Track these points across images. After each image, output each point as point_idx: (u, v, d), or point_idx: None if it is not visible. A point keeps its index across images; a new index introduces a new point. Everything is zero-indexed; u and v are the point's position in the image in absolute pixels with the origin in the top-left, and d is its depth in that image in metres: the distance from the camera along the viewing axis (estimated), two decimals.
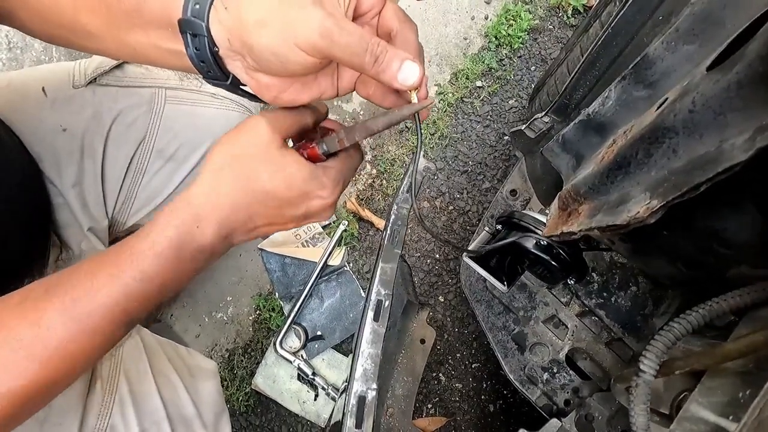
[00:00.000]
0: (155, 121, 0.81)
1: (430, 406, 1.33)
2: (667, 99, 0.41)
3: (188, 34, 0.41)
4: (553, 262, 0.72)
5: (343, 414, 0.42)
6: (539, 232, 0.70)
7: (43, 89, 0.76)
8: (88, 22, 0.45)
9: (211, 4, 0.40)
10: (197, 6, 0.40)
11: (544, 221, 0.72)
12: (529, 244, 0.72)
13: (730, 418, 0.30)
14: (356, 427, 0.42)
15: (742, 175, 0.33)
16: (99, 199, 0.81)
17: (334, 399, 1.28)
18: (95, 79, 0.78)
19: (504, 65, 1.52)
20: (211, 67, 0.43)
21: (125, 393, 0.78)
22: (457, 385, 1.34)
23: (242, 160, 0.44)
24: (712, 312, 0.35)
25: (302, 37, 0.37)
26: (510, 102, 1.50)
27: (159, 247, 0.43)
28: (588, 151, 0.58)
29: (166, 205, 0.45)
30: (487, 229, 0.91)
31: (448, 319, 1.38)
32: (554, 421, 0.98)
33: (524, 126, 0.90)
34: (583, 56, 0.68)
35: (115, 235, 0.90)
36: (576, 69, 0.68)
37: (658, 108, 0.41)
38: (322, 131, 0.52)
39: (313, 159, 0.47)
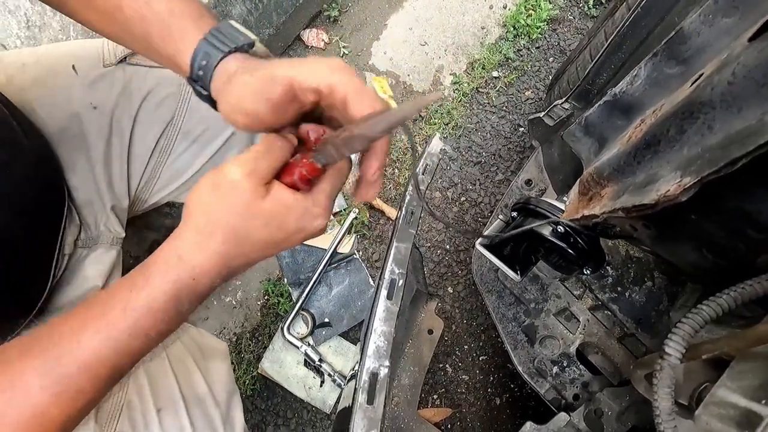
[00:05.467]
0: (184, 103, 0.82)
1: (435, 396, 1.32)
2: (702, 74, 0.39)
3: (193, 85, 0.48)
4: (570, 251, 0.70)
5: (355, 390, 0.41)
6: (557, 217, 0.68)
7: (73, 67, 0.76)
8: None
9: (211, 79, 0.45)
10: (201, 72, 0.45)
11: (562, 208, 0.70)
12: (546, 231, 0.70)
13: (763, 402, 0.28)
14: (368, 403, 0.41)
15: None
16: (124, 177, 0.81)
17: (340, 386, 1.28)
18: (125, 58, 0.78)
19: (521, 56, 1.49)
20: (209, 104, 0.48)
21: (140, 371, 0.79)
22: (463, 376, 1.33)
23: (228, 224, 0.42)
24: (745, 295, 0.34)
25: (228, 107, 0.45)
26: (526, 93, 1.47)
27: (156, 303, 0.41)
28: (612, 135, 0.56)
29: (157, 257, 0.42)
30: (501, 217, 0.90)
31: (457, 310, 1.37)
32: (563, 415, 0.97)
33: (543, 113, 0.88)
34: (607, 40, 0.66)
35: (134, 213, 0.91)
36: (601, 52, 0.66)
37: (693, 83, 0.39)
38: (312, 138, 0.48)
39: (310, 174, 0.44)
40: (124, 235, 0.87)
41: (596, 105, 0.55)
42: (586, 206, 0.54)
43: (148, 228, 1.40)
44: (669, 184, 0.38)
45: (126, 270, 0.89)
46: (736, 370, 0.33)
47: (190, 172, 0.88)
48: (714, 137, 0.37)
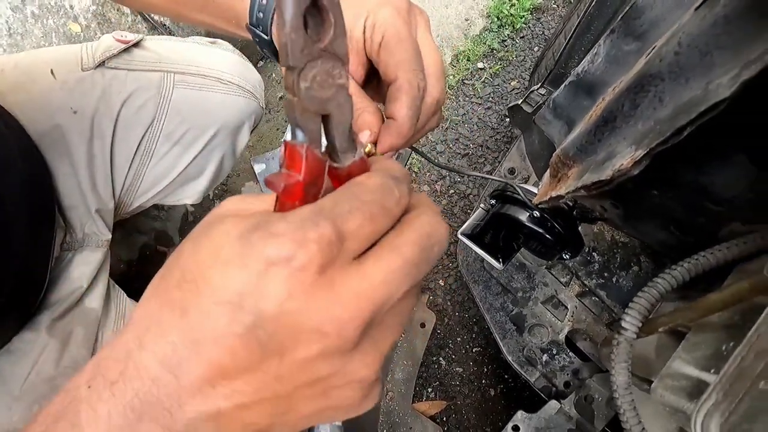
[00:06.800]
0: (164, 105, 0.82)
1: (430, 390, 1.32)
2: (654, 47, 0.39)
3: (253, 31, 0.44)
4: (547, 236, 0.70)
5: None
6: (530, 202, 0.68)
7: (51, 71, 0.77)
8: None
9: (273, 17, 0.41)
10: (260, 14, 0.42)
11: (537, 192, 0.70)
12: (523, 216, 0.70)
13: (712, 371, 0.28)
14: None
15: (729, 119, 0.31)
16: (107, 180, 0.82)
17: None
18: (104, 62, 0.78)
19: (506, 46, 1.49)
20: (270, 53, 0.45)
21: None
22: (457, 369, 1.33)
23: None
24: (698, 266, 0.34)
25: None
26: (512, 83, 1.47)
27: None
28: (579, 116, 0.55)
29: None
30: (482, 206, 0.89)
31: (449, 303, 1.36)
32: (553, 403, 0.97)
33: (521, 100, 0.88)
34: (579, 18, 0.65)
35: (120, 217, 0.91)
36: (570, 35, 0.66)
37: (645, 57, 0.39)
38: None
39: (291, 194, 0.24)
40: (110, 237, 0.87)
41: (562, 86, 0.55)
42: (554, 188, 0.54)
43: (138, 231, 1.40)
44: (624, 158, 0.38)
45: (115, 273, 0.89)
46: (691, 341, 0.32)
47: (173, 174, 0.88)
48: (665, 110, 0.37)
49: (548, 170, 0.61)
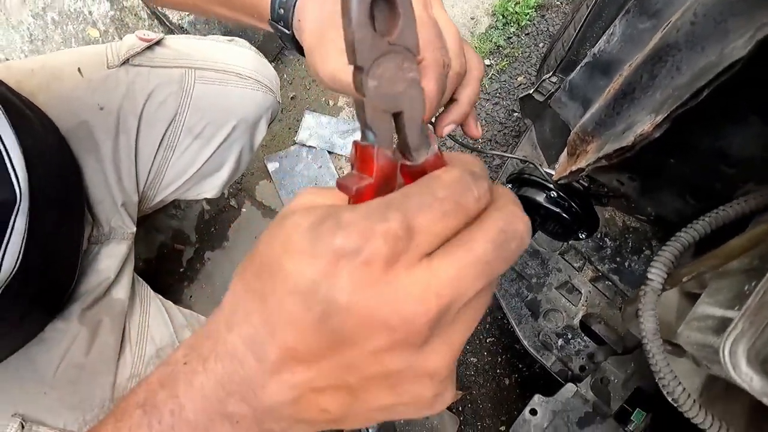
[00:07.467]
0: (186, 100, 0.85)
1: None
2: (670, 22, 0.42)
3: (275, 26, 0.45)
4: (564, 215, 0.72)
5: None
6: (550, 184, 0.71)
7: (78, 70, 0.80)
8: None
9: (293, 11, 0.43)
10: (281, 11, 0.44)
11: (553, 174, 0.73)
12: (540, 197, 0.73)
13: (736, 308, 0.30)
14: None
15: (743, 78, 0.34)
16: (132, 174, 0.84)
17: None
18: (128, 60, 0.81)
19: (512, 43, 1.52)
20: (292, 47, 0.47)
21: (152, 359, 0.81)
22: (472, 359, 1.35)
23: None
24: (719, 219, 0.36)
25: (320, 74, 0.41)
26: (519, 79, 1.50)
27: None
28: (595, 95, 0.58)
29: None
30: None
31: None
32: (570, 386, 0.99)
33: (532, 90, 0.91)
34: (588, 10, 0.68)
35: (143, 212, 0.94)
36: (581, 23, 0.69)
37: (662, 31, 0.42)
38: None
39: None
40: (134, 230, 0.90)
41: (578, 68, 0.58)
42: (573, 164, 0.56)
43: (156, 230, 1.43)
44: (644, 125, 0.41)
45: (135, 271, 0.92)
46: (714, 288, 0.35)
47: (194, 168, 0.91)
48: (683, 77, 0.40)
49: (565, 149, 0.64)
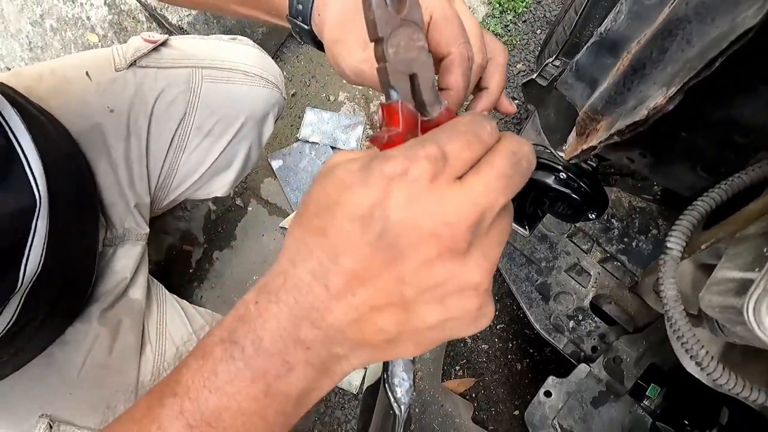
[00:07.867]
0: (194, 99, 0.85)
1: (458, 368, 1.35)
2: None
3: (293, 21, 0.46)
4: (574, 195, 0.73)
5: None
6: (558, 166, 0.72)
7: (87, 73, 0.80)
8: None
9: (312, 6, 0.44)
10: (300, 6, 0.44)
11: (563, 155, 0.74)
12: (549, 179, 0.74)
13: (756, 270, 0.31)
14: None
15: (755, 47, 0.35)
16: (144, 175, 0.85)
17: (364, 366, 1.31)
18: (135, 61, 0.82)
19: (509, 31, 1.53)
20: (309, 42, 0.47)
21: (172, 357, 0.82)
22: (483, 346, 1.37)
23: None
24: (734, 186, 0.37)
25: (344, 67, 0.42)
26: (518, 66, 1.50)
27: None
28: (603, 75, 0.59)
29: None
30: None
31: None
32: (583, 366, 1.00)
33: (535, 74, 0.92)
34: None
35: (154, 213, 0.95)
36: (584, 4, 0.70)
37: (670, 6, 0.43)
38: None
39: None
40: (148, 231, 0.91)
41: (584, 48, 0.59)
42: (584, 143, 0.57)
43: (164, 232, 1.44)
44: (656, 99, 0.42)
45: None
46: (732, 253, 0.36)
47: (204, 166, 0.91)
48: (693, 50, 0.40)
49: (573, 130, 0.65)
